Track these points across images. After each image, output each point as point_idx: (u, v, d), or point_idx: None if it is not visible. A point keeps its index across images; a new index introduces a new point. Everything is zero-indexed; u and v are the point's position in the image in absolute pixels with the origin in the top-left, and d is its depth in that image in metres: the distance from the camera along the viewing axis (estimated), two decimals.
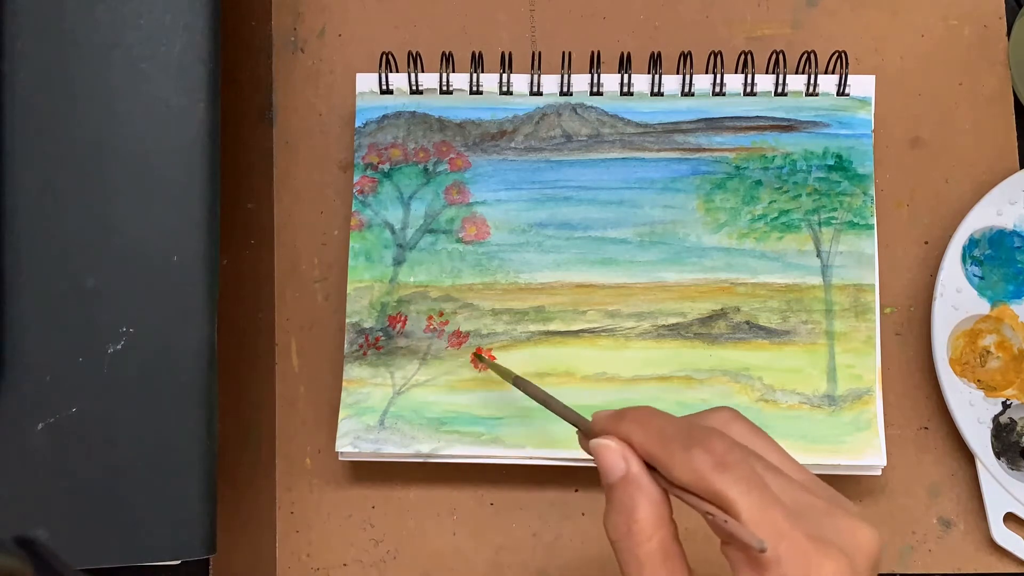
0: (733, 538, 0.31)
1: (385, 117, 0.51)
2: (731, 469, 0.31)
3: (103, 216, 0.43)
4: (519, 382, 0.43)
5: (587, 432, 0.36)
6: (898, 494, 0.50)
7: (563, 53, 0.50)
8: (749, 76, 0.50)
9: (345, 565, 0.50)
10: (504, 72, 0.51)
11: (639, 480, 0.33)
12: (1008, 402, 0.49)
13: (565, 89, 0.51)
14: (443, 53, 0.51)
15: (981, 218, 0.50)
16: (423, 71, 0.51)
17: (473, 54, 0.51)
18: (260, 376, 0.51)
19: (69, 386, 0.42)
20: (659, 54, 0.50)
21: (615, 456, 0.34)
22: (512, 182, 0.50)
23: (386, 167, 0.50)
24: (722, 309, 0.49)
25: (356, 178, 0.50)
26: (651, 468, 0.33)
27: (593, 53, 0.50)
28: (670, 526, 0.33)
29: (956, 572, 0.49)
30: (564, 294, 0.49)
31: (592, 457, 0.35)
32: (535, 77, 0.51)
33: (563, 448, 0.47)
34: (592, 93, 0.51)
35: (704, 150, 0.50)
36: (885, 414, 0.49)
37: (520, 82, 0.51)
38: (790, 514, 0.31)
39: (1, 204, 0.43)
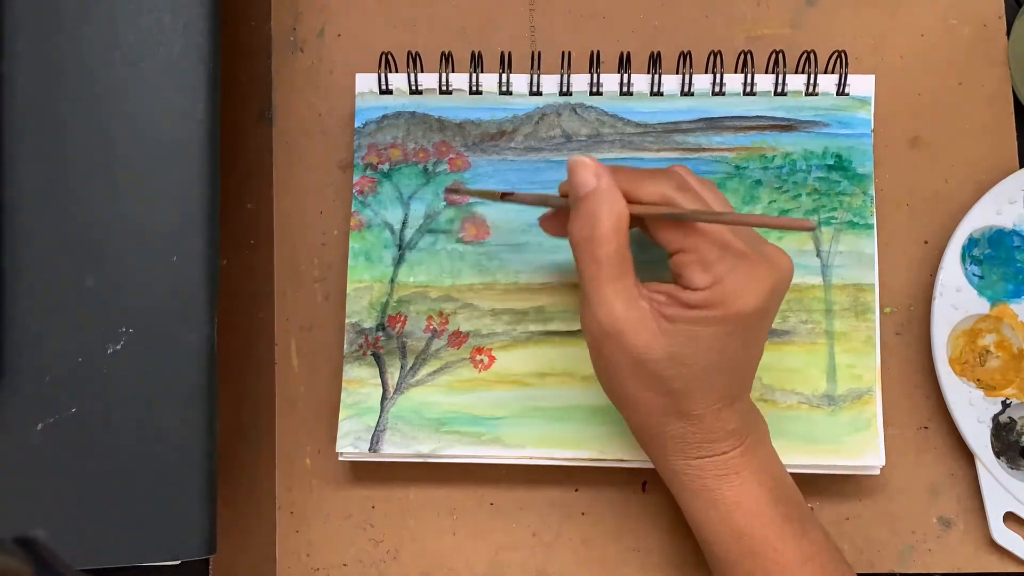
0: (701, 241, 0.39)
1: (385, 117, 0.51)
2: (689, 191, 0.40)
3: (103, 216, 0.43)
4: (507, 196, 0.46)
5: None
6: (898, 494, 0.50)
7: (563, 53, 0.50)
8: (749, 76, 0.50)
9: (345, 565, 0.50)
10: (504, 72, 0.51)
11: (607, 193, 0.39)
12: (1008, 401, 0.49)
13: (565, 89, 0.51)
14: (443, 53, 0.51)
15: (981, 218, 0.50)
16: (423, 71, 0.51)
17: (473, 54, 0.51)
18: (260, 376, 0.51)
19: (69, 386, 0.42)
20: (659, 54, 0.50)
21: (588, 172, 0.39)
22: (512, 182, 0.50)
23: (386, 167, 0.50)
24: None
25: (356, 178, 0.50)
26: None
27: (593, 53, 0.50)
28: (626, 237, 0.39)
29: (956, 572, 0.49)
30: (564, 294, 0.49)
31: (568, 190, 0.40)
32: (535, 77, 0.51)
33: (563, 448, 0.47)
34: (592, 93, 0.51)
35: (704, 150, 0.50)
36: (885, 414, 0.49)
37: (520, 82, 0.51)
38: (733, 230, 0.39)
39: (1, 203, 0.43)
